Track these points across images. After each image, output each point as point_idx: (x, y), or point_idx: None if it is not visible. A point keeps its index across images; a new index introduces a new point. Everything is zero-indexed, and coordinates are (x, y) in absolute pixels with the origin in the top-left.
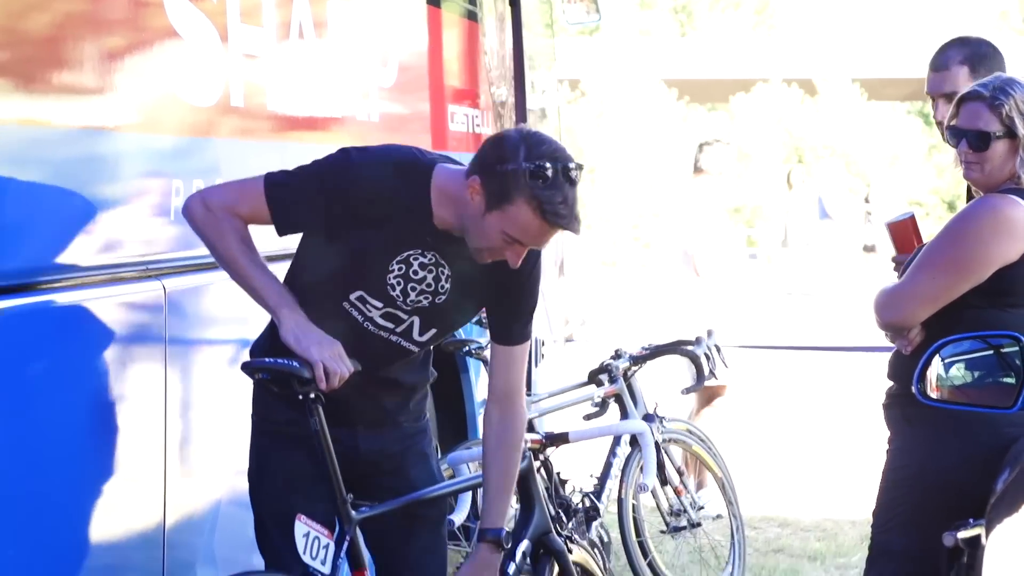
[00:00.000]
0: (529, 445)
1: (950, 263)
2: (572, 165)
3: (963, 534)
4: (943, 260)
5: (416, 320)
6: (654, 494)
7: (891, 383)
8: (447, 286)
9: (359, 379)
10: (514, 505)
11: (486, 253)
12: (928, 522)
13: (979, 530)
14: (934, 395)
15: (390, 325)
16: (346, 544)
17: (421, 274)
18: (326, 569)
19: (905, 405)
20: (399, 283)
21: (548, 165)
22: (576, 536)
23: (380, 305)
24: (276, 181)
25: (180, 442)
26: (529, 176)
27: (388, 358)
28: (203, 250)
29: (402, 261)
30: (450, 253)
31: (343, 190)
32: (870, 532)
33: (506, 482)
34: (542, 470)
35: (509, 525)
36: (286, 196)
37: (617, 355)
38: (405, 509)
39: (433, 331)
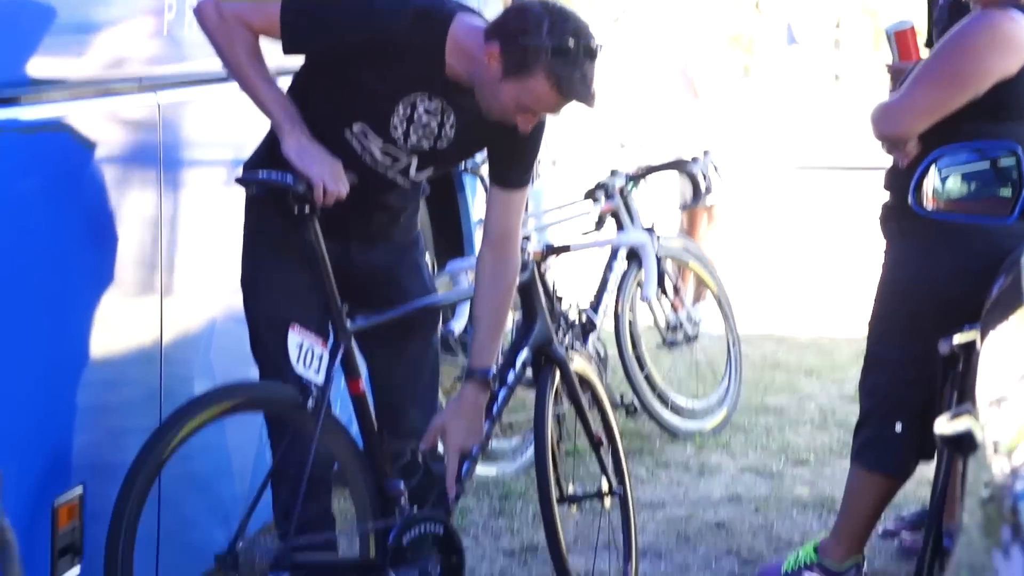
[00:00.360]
0: (531, 256)
1: (948, 76)
2: (593, 42)
3: (958, 338)
4: (941, 73)
5: (414, 160)
6: (651, 308)
7: (887, 195)
8: (450, 134)
9: (352, 199)
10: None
11: (496, 114)
12: (923, 332)
13: (974, 335)
14: (930, 207)
15: (387, 162)
16: (340, 354)
17: (425, 119)
18: (319, 379)
19: (901, 217)
20: (402, 124)
21: (571, 42)
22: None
23: (380, 142)
24: (295, 6)
25: (175, 258)
26: (551, 53)
27: (381, 189)
28: (198, 64)
29: (408, 103)
30: (457, 102)
31: (359, 27)
32: (865, 343)
33: (496, 324)
34: (540, 283)
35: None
36: (301, 20)
37: (613, 173)
38: (399, 319)
39: (429, 170)
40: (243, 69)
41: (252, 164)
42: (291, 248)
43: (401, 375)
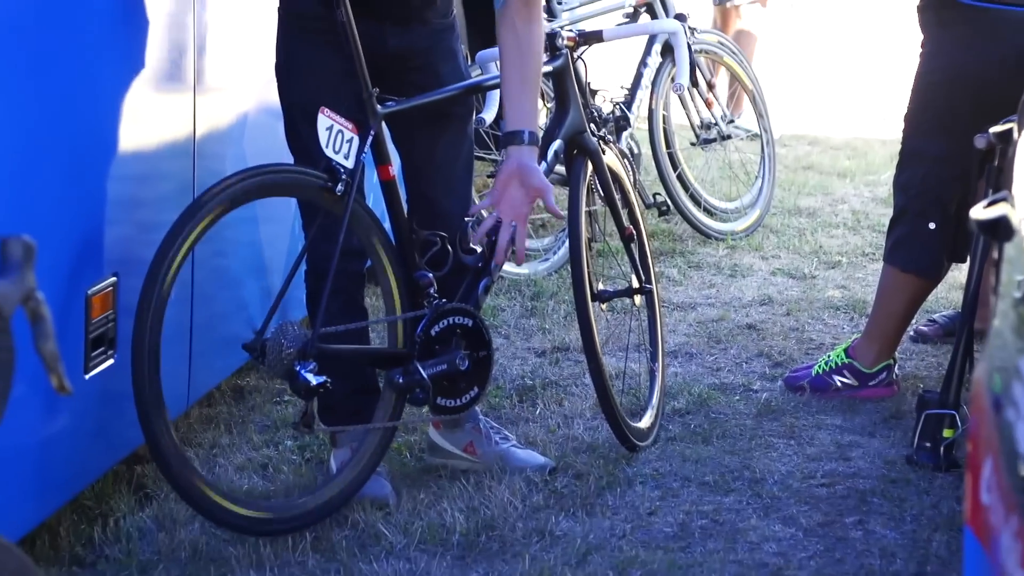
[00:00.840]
0: (564, 42)
1: None
2: None
3: (995, 129)
4: None
5: None
6: (684, 105)
7: None
8: None
9: None
10: (548, 105)
11: None
12: (959, 125)
13: (1012, 126)
14: None
15: None
16: (370, 138)
17: None
18: (349, 163)
19: (940, 7)
20: None
21: None
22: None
23: None
24: None
25: (208, 49)
26: None
27: None
28: None
29: None
30: None
31: None
32: (901, 137)
33: (527, 81)
34: (576, 69)
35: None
36: None
37: None
38: (432, 106)
39: None
40: None
41: None
42: (325, 31)
43: (435, 162)
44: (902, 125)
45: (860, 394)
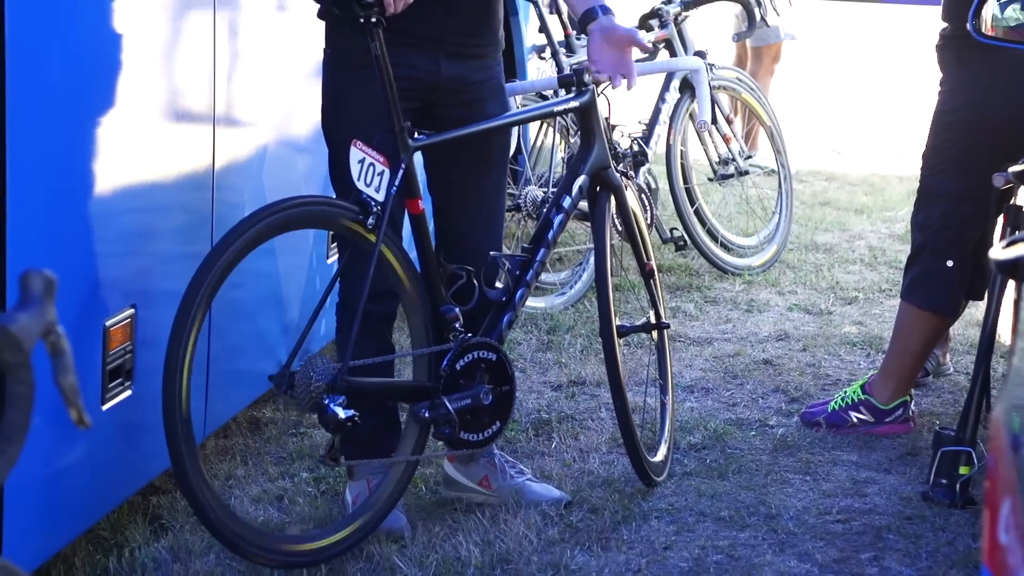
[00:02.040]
0: (588, 79)
1: None
2: None
3: (1015, 168)
4: None
5: None
6: (702, 140)
7: (945, 24)
8: None
9: None
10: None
11: None
12: (978, 164)
13: None
14: (989, 34)
15: None
16: (401, 172)
17: None
18: (379, 196)
19: (960, 47)
20: None
21: None
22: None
23: None
24: None
25: (229, 82)
26: None
27: None
28: None
29: None
30: None
31: None
32: (919, 175)
33: None
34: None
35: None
36: None
37: (668, 0)
38: (471, 139)
39: None
40: None
41: None
42: (370, 65)
43: (472, 197)
44: (920, 163)
45: (876, 430)
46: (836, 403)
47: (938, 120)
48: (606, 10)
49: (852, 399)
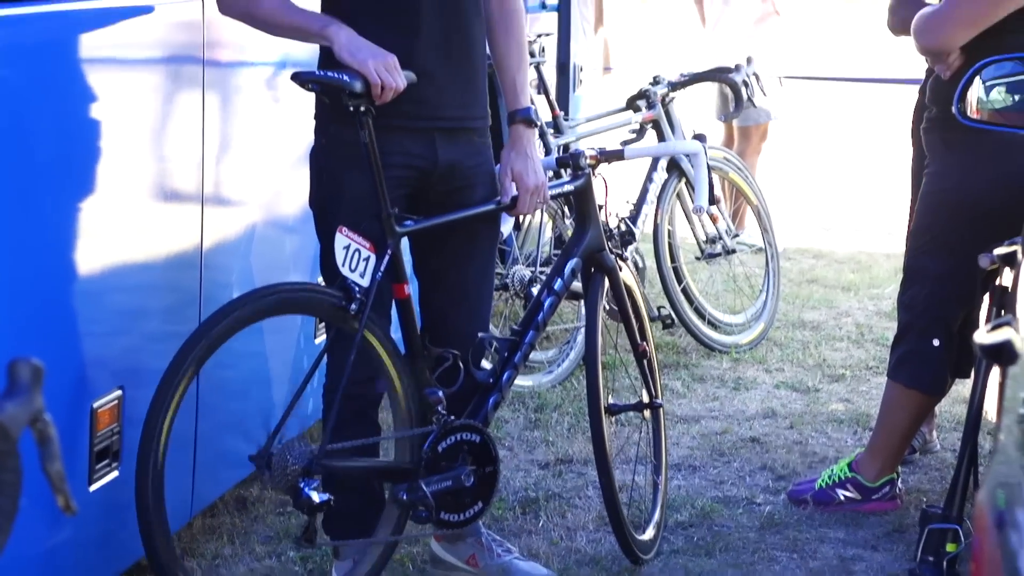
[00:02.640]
0: (588, 162)
1: None
2: None
3: (1000, 250)
4: None
5: None
6: (690, 220)
7: (931, 107)
8: None
9: (432, 53)
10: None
11: None
12: (964, 246)
13: (1016, 248)
14: (974, 117)
15: None
16: (387, 258)
17: None
18: (364, 282)
19: (944, 129)
20: None
21: None
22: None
23: None
24: None
25: (217, 162)
26: None
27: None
28: None
29: None
30: None
31: None
32: (904, 255)
33: (521, 64)
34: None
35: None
36: None
37: (655, 81)
38: (461, 225)
39: None
40: (274, 15)
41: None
42: (360, 152)
43: (459, 282)
44: (906, 242)
45: (863, 508)
46: (823, 480)
47: (924, 201)
48: (528, 115)
49: (839, 477)
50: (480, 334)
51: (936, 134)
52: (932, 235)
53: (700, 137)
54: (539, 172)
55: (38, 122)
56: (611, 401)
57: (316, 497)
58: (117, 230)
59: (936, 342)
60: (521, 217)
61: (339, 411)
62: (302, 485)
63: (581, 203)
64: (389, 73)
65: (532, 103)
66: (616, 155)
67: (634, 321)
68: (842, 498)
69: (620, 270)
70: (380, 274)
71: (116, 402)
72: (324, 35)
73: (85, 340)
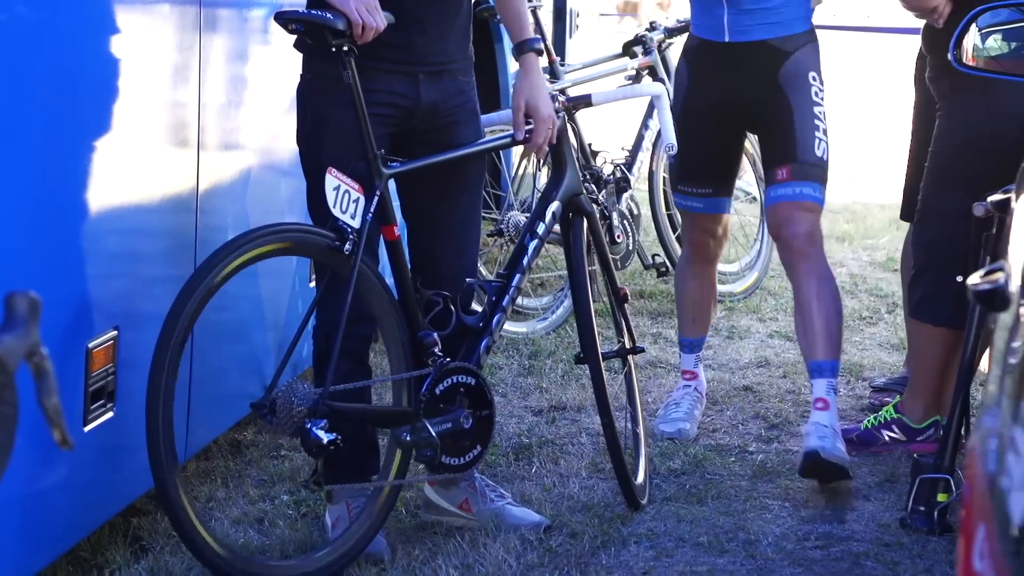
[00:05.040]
0: (559, 106)
1: None
2: None
3: (993, 197)
4: None
5: None
6: None
7: (932, 56)
8: None
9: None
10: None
11: None
12: (980, 182)
13: (1010, 195)
14: (970, 64)
15: None
16: (375, 199)
17: None
18: (355, 223)
19: (952, 75)
20: None
21: None
22: (607, 206)
23: None
24: None
25: (213, 104)
26: None
27: None
28: None
29: None
30: None
31: None
32: (920, 196)
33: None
34: (571, 134)
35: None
36: None
37: (652, 27)
38: (446, 165)
39: None
40: None
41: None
42: (345, 91)
43: (447, 223)
44: (923, 183)
45: (909, 448)
46: (869, 422)
47: (938, 144)
48: (534, 45)
49: (884, 418)
50: (468, 279)
51: (944, 80)
52: (949, 175)
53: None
54: (549, 102)
55: (34, 64)
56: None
57: (324, 437)
58: (115, 172)
59: (960, 278)
60: (516, 163)
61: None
62: (309, 426)
63: (555, 147)
64: (370, 13)
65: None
66: (584, 101)
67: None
68: (887, 438)
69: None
70: (370, 215)
71: (111, 343)
72: None
73: (81, 280)
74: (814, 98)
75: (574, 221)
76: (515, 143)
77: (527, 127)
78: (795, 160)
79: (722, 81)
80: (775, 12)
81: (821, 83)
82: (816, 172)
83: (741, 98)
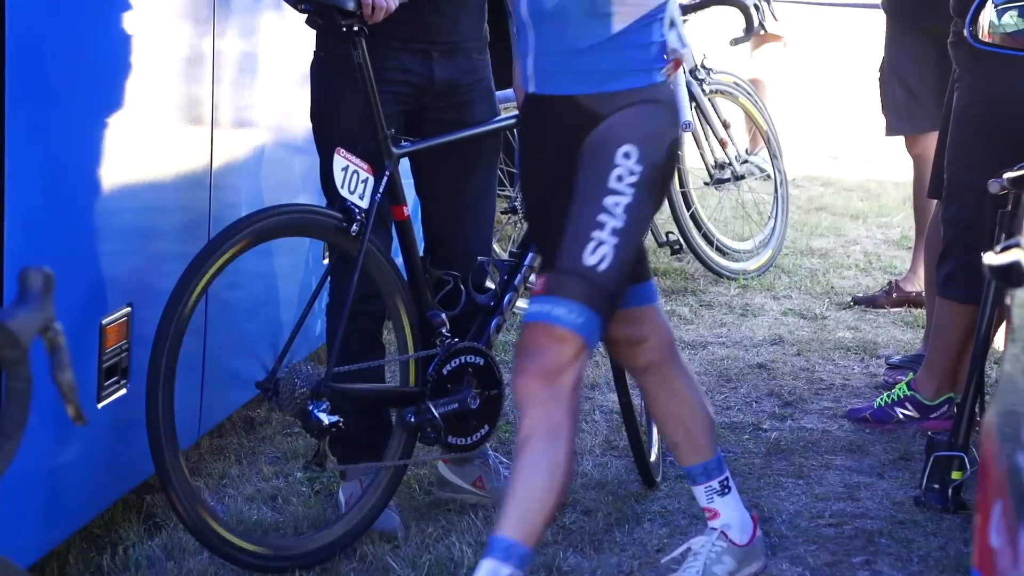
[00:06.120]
0: None
1: None
2: None
3: (1009, 174)
4: None
5: None
6: (698, 144)
7: (957, 21)
8: None
9: None
10: None
11: None
12: (1004, 154)
13: None
14: (986, 40)
15: None
16: (385, 180)
17: None
18: (364, 203)
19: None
20: None
21: None
22: None
23: None
24: None
25: (227, 82)
26: None
27: None
28: None
29: None
30: None
31: None
32: (945, 171)
33: None
34: None
35: None
36: None
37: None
38: (461, 144)
39: None
40: None
41: None
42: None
43: (462, 201)
44: (946, 158)
45: (922, 425)
46: (883, 400)
47: (959, 114)
48: None
49: (898, 395)
50: (480, 257)
51: (965, 46)
52: (971, 147)
53: (695, 71)
54: None
55: (50, 44)
56: None
57: (325, 419)
58: (129, 149)
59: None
60: None
61: (344, 332)
62: (311, 408)
63: None
64: None
65: None
66: None
67: None
68: (901, 416)
69: None
70: (379, 196)
71: (125, 319)
72: None
73: (95, 257)
74: (612, 184)
75: None
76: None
77: None
78: (554, 268)
79: (531, 145)
80: (585, 58)
81: (642, 162)
82: (579, 288)
83: (545, 168)
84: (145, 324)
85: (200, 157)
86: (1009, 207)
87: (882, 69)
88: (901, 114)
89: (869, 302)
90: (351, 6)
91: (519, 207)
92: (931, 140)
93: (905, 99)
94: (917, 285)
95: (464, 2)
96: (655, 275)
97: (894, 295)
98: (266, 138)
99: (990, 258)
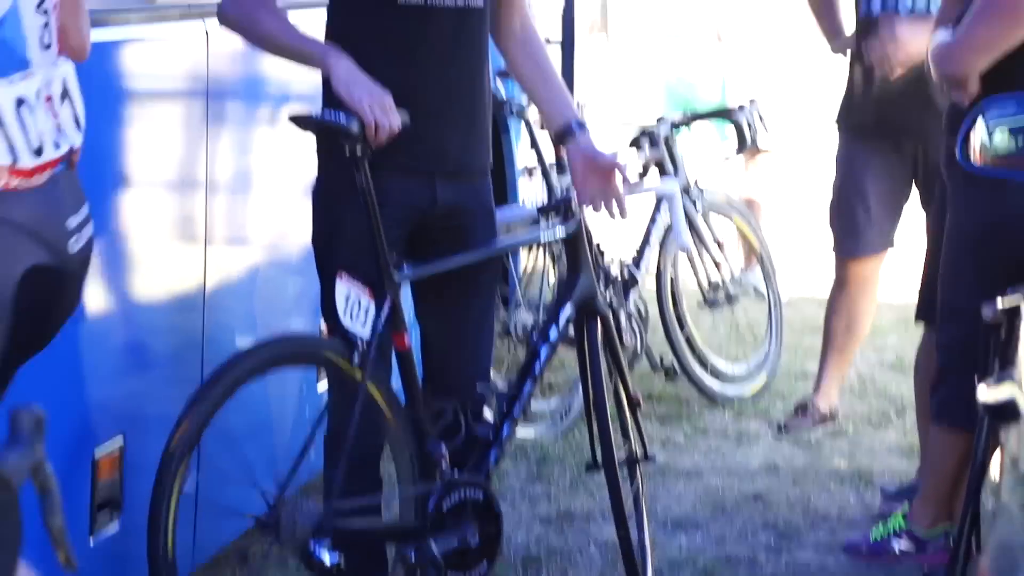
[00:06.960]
0: (577, 205)
1: (1008, 7)
2: None
3: (1004, 302)
4: (1000, 5)
5: None
6: (692, 265)
7: (950, 139)
8: None
9: (437, 91)
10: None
11: None
12: (998, 279)
13: (1019, 299)
14: (977, 161)
15: None
16: (387, 307)
17: None
18: (365, 332)
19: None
20: None
21: None
22: (614, 306)
23: None
24: None
25: (220, 202)
26: None
27: (457, 30)
28: None
29: None
30: None
31: None
32: (939, 294)
33: (555, 77)
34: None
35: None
36: None
37: (659, 120)
38: (461, 272)
39: None
40: (274, 35)
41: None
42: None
43: (457, 329)
44: (939, 281)
45: (919, 559)
46: (878, 532)
47: (952, 236)
48: (582, 126)
49: (894, 528)
50: (479, 384)
51: (958, 167)
52: (965, 271)
53: (688, 187)
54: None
55: None
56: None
57: (328, 558)
58: (119, 271)
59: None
60: (524, 261)
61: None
62: (313, 546)
63: (573, 248)
64: (384, 113)
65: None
66: None
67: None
68: (897, 551)
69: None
70: (381, 327)
71: (118, 451)
72: (323, 63)
73: (86, 386)
74: None
75: (589, 323)
76: (531, 242)
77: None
78: None
79: None
80: None
81: None
82: None
83: None
84: (138, 453)
85: (193, 278)
86: (1003, 334)
87: (836, 187)
88: (858, 235)
89: (795, 428)
90: (355, 129)
91: (512, 329)
92: (877, 262)
93: (864, 220)
94: (829, 404)
95: (469, 125)
96: (649, 399)
97: (817, 416)
98: (260, 258)
99: (984, 394)
